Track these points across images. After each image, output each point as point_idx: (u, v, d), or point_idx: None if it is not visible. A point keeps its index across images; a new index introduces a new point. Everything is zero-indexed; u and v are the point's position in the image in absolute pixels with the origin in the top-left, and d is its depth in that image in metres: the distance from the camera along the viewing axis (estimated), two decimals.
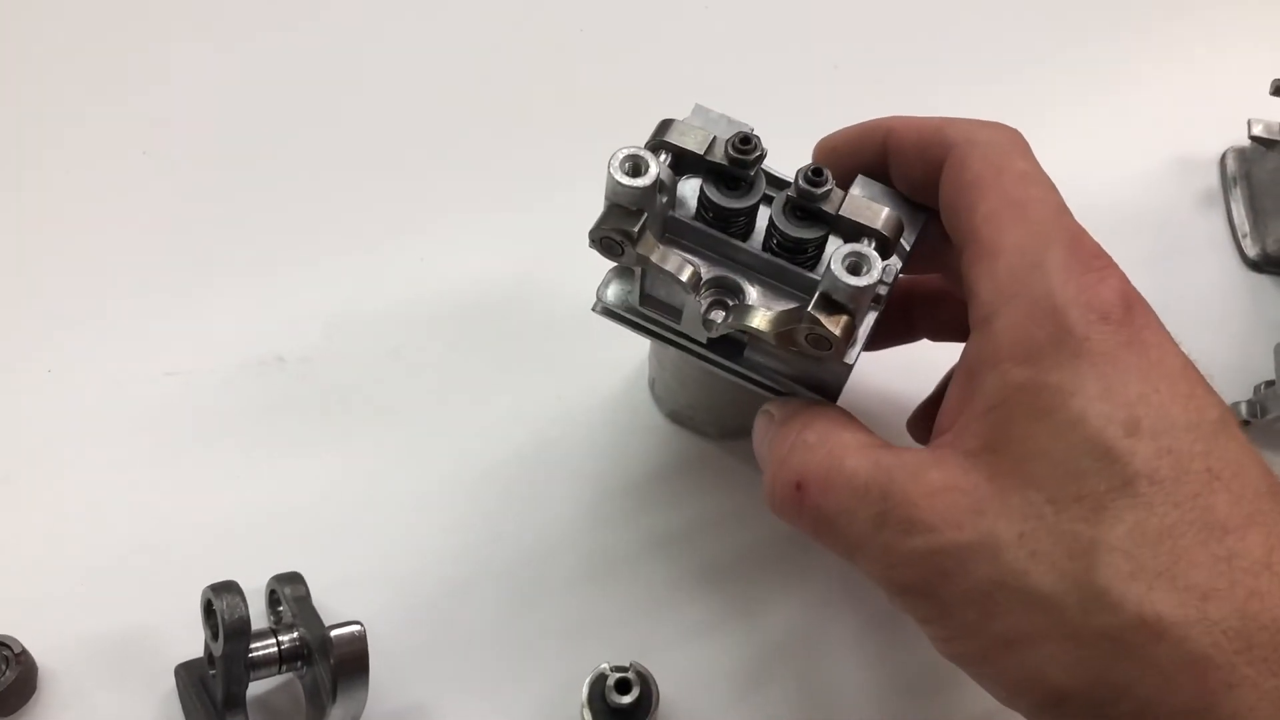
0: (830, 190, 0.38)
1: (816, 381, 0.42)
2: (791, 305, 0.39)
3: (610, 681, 0.44)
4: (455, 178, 0.58)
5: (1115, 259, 0.36)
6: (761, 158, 0.39)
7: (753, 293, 0.40)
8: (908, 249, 0.41)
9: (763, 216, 0.40)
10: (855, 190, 0.41)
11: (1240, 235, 0.59)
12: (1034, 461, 0.33)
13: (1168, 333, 0.35)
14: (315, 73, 0.60)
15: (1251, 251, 0.58)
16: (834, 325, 0.37)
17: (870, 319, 0.40)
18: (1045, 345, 0.34)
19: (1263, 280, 0.58)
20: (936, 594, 0.34)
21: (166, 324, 0.53)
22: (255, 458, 0.51)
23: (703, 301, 0.39)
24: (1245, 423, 0.53)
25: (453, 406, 0.53)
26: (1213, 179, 0.61)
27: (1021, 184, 0.38)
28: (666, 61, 0.62)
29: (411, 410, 0.52)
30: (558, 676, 0.46)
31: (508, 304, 0.55)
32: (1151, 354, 0.34)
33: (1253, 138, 0.58)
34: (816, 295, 0.37)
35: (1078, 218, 0.38)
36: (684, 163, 0.39)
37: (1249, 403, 0.53)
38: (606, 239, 0.38)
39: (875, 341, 0.42)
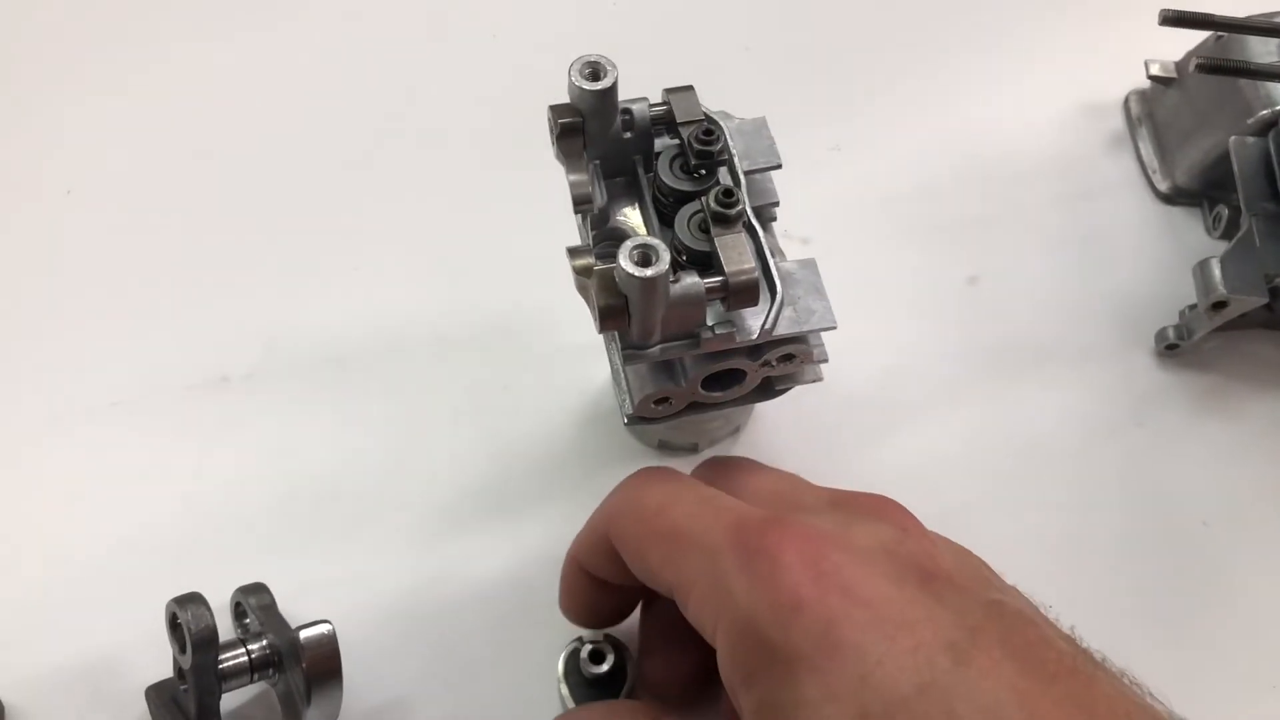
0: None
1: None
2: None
3: (584, 653, 0.45)
4: (390, 195, 0.58)
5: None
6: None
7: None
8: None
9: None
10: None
11: (1150, 172, 0.61)
12: None
13: (892, 562, 0.33)
14: (239, 95, 0.61)
15: (1163, 186, 0.60)
16: (584, 270, 0.36)
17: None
18: (758, 666, 0.32)
19: (1176, 211, 0.60)
20: None
21: (107, 355, 0.53)
22: (208, 476, 0.50)
23: (590, 243, 0.40)
24: (1173, 345, 0.55)
25: (403, 408, 0.53)
26: (1119, 121, 0.63)
27: (660, 516, 0.37)
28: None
29: (360, 416, 0.52)
30: (533, 655, 0.47)
31: (452, 313, 0.55)
32: (861, 619, 0.31)
33: (1151, 77, 0.60)
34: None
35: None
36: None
37: (1175, 327, 0.55)
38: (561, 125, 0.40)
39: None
